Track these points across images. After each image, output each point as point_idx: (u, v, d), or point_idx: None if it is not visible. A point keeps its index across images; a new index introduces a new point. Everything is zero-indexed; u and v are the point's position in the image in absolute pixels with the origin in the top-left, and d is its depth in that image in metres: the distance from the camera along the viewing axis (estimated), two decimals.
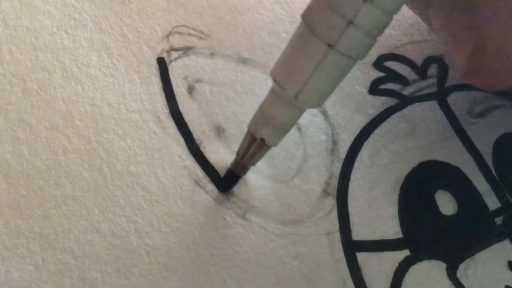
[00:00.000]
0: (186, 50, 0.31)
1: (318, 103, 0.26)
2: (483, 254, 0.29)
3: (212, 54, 0.31)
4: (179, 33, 0.31)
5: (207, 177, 0.28)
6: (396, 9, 0.24)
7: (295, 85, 0.25)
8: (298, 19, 0.32)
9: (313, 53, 0.24)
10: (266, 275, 0.27)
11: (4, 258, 0.25)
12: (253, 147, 0.27)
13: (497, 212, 0.30)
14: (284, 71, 0.25)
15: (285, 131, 0.27)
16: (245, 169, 0.28)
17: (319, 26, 0.24)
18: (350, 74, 0.31)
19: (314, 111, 0.31)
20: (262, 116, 0.27)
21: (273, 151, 0.29)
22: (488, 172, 0.31)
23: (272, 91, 0.26)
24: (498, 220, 0.30)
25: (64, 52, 0.30)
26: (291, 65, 0.25)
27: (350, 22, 0.23)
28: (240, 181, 0.28)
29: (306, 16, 0.25)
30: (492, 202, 0.30)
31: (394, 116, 0.31)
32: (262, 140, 0.27)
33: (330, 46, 0.24)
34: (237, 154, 0.28)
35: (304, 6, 0.32)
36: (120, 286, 0.26)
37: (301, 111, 0.26)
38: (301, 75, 0.24)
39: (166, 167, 0.28)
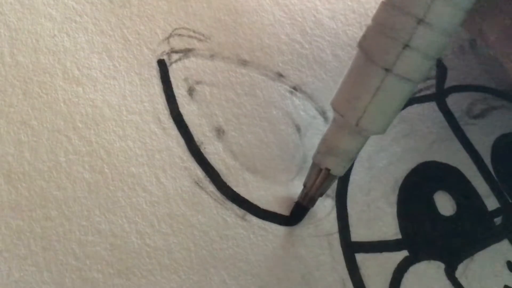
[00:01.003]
0: (186, 52, 0.31)
1: (380, 129, 0.26)
2: (482, 254, 0.29)
3: (212, 56, 0.31)
4: (179, 35, 0.31)
5: (208, 178, 0.29)
6: (453, 30, 0.24)
7: (355, 112, 0.25)
8: (298, 21, 0.33)
9: (371, 79, 0.24)
10: (266, 276, 0.27)
11: (5, 259, 0.25)
12: (320, 178, 0.27)
13: (496, 213, 0.30)
14: (344, 99, 0.25)
15: (350, 160, 0.27)
16: (313, 200, 0.28)
17: (375, 52, 0.24)
18: None
19: (313, 112, 0.31)
20: (325, 146, 0.27)
21: (273, 152, 0.29)
22: (487, 173, 0.31)
23: (334, 121, 0.26)
24: (497, 220, 0.30)
25: (65, 54, 0.30)
26: (350, 93, 0.25)
27: (406, 45, 0.23)
28: (242, 182, 0.29)
29: (362, 43, 0.25)
30: (491, 203, 0.31)
31: None
32: (328, 170, 0.27)
33: (387, 70, 0.24)
34: (304, 185, 0.28)
35: (304, 8, 0.32)
36: (121, 286, 0.26)
37: (364, 138, 0.26)
38: (360, 101, 0.25)
39: (166, 168, 0.28)
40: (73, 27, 0.30)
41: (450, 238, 0.29)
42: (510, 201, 0.31)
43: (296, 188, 0.29)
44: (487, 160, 0.31)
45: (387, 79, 0.24)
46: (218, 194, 0.28)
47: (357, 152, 0.27)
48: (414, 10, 0.23)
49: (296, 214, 0.29)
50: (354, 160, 0.27)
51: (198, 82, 0.30)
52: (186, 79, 0.30)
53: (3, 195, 0.26)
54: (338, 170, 0.27)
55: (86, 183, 0.27)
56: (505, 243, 0.30)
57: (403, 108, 0.32)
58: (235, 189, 0.29)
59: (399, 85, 0.24)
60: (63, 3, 0.31)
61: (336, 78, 0.32)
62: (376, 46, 0.24)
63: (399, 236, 0.29)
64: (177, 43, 0.31)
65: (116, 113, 0.29)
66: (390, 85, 0.24)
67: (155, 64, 0.30)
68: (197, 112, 0.30)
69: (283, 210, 0.29)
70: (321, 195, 0.28)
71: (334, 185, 0.29)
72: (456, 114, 0.32)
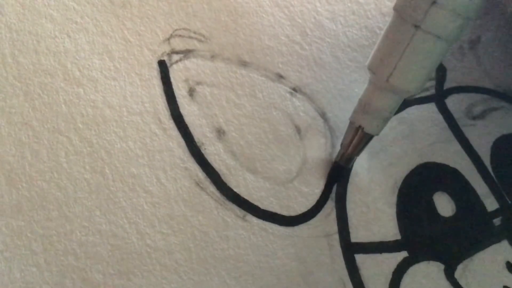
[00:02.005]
0: (187, 53, 0.31)
1: (411, 87, 0.26)
2: (481, 255, 0.29)
3: (212, 57, 0.31)
4: (180, 36, 0.31)
5: (208, 179, 0.29)
6: None
7: (385, 69, 0.26)
8: (298, 23, 0.33)
9: (401, 36, 0.25)
10: (266, 276, 0.27)
11: (6, 259, 0.26)
12: (356, 138, 0.28)
13: (495, 213, 0.31)
14: (377, 58, 0.26)
15: (383, 119, 0.27)
16: (349, 160, 0.29)
17: (405, 9, 0.25)
18: (349, 77, 0.32)
19: (313, 113, 0.31)
20: (359, 105, 0.28)
21: (273, 153, 0.30)
22: (486, 174, 0.31)
23: (369, 81, 0.27)
24: (496, 221, 0.30)
25: (66, 55, 0.30)
26: (383, 51, 0.26)
27: (433, 2, 0.24)
28: (242, 183, 0.29)
29: (396, 4, 0.26)
30: (490, 204, 0.31)
31: (392, 119, 0.31)
32: (361, 128, 0.28)
33: (416, 27, 0.24)
34: (341, 145, 0.29)
35: (304, 10, 0.32)
36: (122, 287, 0.26)
37: (396, 97, 0.27)
38: (391, 58, 0.25)
39: (167, 168, 0.28)
40: (73, 28, 0.31)
41: (449, 239, 0.29)
42: (509, 202, 0.31)
43: (295, 189, 0.29)
44: (487, 161, 0.31)
45: (416, 36, 0.25)
46: (218, 194, 0.28)
47: (390, 112, 0.27)
48: None
49: (333, 174, 0.30)
50: (388, 120, 0.28)
51: (198, 83, 0.31)
52: (186, 80, 0.30)
53: (4, 195, 0.27)
54: (371, 128, 0.28)
55: (87, 184, 0.27)
56: (504, 243, 0.30)
57: (402, 110, 0.32)
58: (235, 189, 0.29)
59: (428, 41, 0.25)
60: (64, 4, 0.31)
61: (336, 80, 0.32)
62: (406, 4, 0.25)
63: (399, 237, 0.29)
64: (177, 44, 0.31)
65: (117, 113, 0.29)
66: (420, 42, 0.25)
67: (155, 65, 0.31)
68: (198, 112, 0.30)
69: (284, 210, 0.29)
70: (357, 154, 0.29)
71: (334, 186, 0.29)
72: (456, 115, 0.32)
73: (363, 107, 0.27)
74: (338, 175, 0.30)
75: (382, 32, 0.27)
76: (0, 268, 0.25)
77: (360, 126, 0.28)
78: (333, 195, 0.29)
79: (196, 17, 0.32)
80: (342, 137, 0.29)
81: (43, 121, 0.28)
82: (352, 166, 0.30)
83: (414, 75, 0.26)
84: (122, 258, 0.26)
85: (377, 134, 0.28)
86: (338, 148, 0.30)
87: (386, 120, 0.28)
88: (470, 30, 0.35)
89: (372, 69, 0.27)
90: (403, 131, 0.31)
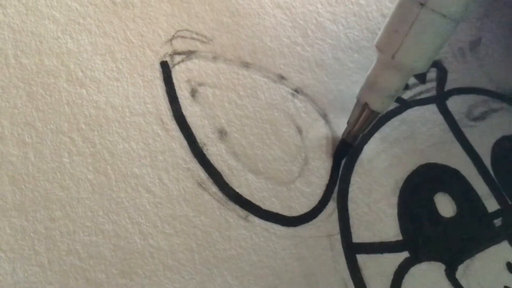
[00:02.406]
0: (189, 54, 0.31)
1: (416, 65, 0.27)
2: (482, 256, 0.30)
3: (214, 58, 0.31)
4: (182, 37, 0.32)
5: (210, 179, 0.29)
6: None
7: (391, 46, 0.26)
8: (299, 24, 0.33)
9: (407, 14, 0.26)
10: (268, 276, 0.27)
11: (10, 259, 0.26)
12: (362, 115, 0.29)
13: (496, 214, 0.31)
14: (384, 36, 0.27)
15: (388, 97, 0.28)
16: (356, 137, 0.30)
17: None
18: (350, 79, 0.32)
19: (314, 114, 0.31)
20: (366, 83, 0.28)
21: (275, 153, 0.30)
22: (487, 175, 0.31)
23: (376, 59, 0.28)
24: (497, 222, 0.31)
25: (69, 56, 0.30)
26: (390, 29, 0.27)
27: None
28: (244, 183, 0.29)
29: None
30: (491, 204, 0.31)
31: (393, 120, 0.32)
32: (367, 105, 0.28)
33: (421, 4, 0.25)
34: (348, 123, 0.29)
35: (305, 11, 0.32)
36: (125, 286, 0.26)
37: (402, 75, 0.27)
38: (397, 35, 0.26)
39: (169, 169, 0.29)
40: (76, 29, 0.31)
41: (450, 239, 0.30)
42: (510, 202, 0.31)
43: (297, 190, 0.29)
44: (487, 162, 0.32)
45: (421, 13, 0.25)
46: (220, 195, 0.29)
47: (396, 90, 0.28)
48: None
49: (340, 151, 0.30)
50: (394, 98, 0.28)
51: (200, 84, 0.31)
52: (188, 81, 0.31)
53: (8, 196, 0.27)
54: (376, 105, 0.28)
55: (90, 184, 0.28)
56: (504, 244, 0.30)
57: (403, 111, 0.32)
58: (237, 190, 0.29)
59: (433, 19, 0.25)
60: (67, 5, 0.31)
61: (337, 81, 0.32)
62: None
63: (400, 237, 0.29)
64: (179, 45, 0.31)
65: (120, 114, 0.29)
66: (425, 19, 0.25)
67: (158, 66, 0.31)
68: (200, 113, 0.30)
69: (285, 211, 0.29)
70: (363, 132, 0.29)
71: (336, 186, 0.30)
72: (457, 117, 0.32)
73: (370, 84, 0.28)
74: (344, 152, 0.30)
75: (391, 12, 0.27)
76: (3, 268, 0.25)
77: (366, 104, 0.28)
78: (335, 195, 0.29)
79: (198, 18, 0.32)
80: (341, 135, 0.30)
81: (46, 122, 0.28)
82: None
83: (420, 53, 0.26)
84: (125, 258, 0.27)
85: (383, 112, 0.29)
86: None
87: (391, 98, 0.28)
88: (470, 32, 0.35)
89: (379, 46, 0.27)
90: (404, 132, 0.32)
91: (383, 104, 0.28)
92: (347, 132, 0.30)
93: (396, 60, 0.26)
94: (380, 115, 0.29)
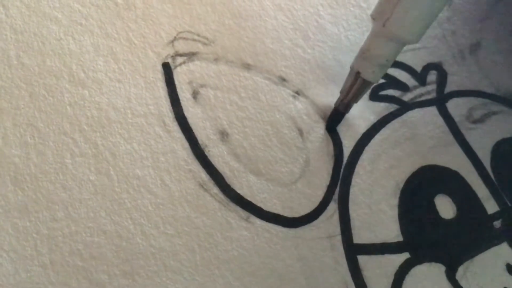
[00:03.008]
0: (190, 55, 0.31)
1: (406, 35, 0.27)
2: (482, 257, 0.30)
3: (216, 60, 0.32)
4: (184, 38, 0.32)
5: (212, 181, 0.29)
6: None
7: (383, 14, 0.26)
8: (300, 26, 0.33)
9: None
10: (270, 277, 0.27)
11: (12, 260, 0.26)
12: (355, 84, 0.29)
13: (496, 216, 0.31)
14: (378, 5, 0.27)
15: (380, 66, 0.28)
16: (348, 106, 0.30)
17: None
18: None
19: (316, 116, 0.31)
20: (360, 51, 0.28)
21: (276, 155, 0.30)
22: (487, 177, 0.32)
23: (371, 29, 0.28)
24: (497, 223, 0.31)
25: (71, 57, 0.30)
26: None
27: None
28: (245, 185, 0.29)
29: None
30: (491, 206, 0.31)
31: (394, 122, 0.32)
32: (359, 74, 0.28)
33: None
34: (341, 92, 0.30)
35: (306, 14, 0.32)
36: (127, 287, 0.26)
37: (391, 43, 0.27)
38: (389, 4, 0.26)
39: (171, 170, 0.29)
40: (78, 30, 0.31)
41: (450, 241, 0.30)
42: (510, 204, 0.31)
43: (298, 191, 0.29)
44: (487, 164, 0.32)
45: None
46: (222, 196, 0.29)
47: (387, 59, 0.28)
48: None
49: (332, 119, 0.31)
50: (386, 69, 0.29)
51: (202, 86, 0.31)
52: (190, 82, 0.31)
53: (10, 196, 0.27)
54: (368, 74, 0.28)
55: (92, 185, 0.28)
56: (504, 246, 0.30)
57: (403, 113, 0.32)
58: (239, 191, 0.29)
59: None
60: (69, 6, 0.31)
61: (338, 83, 0.32)
62: None
63: (401, 239, 0.29)
64: (181, 47, 0.31)
65: (122, 115, 0.29)
66: None
67: (159, 67, 0.31)
68: (201, 115, 0.30)
69: (287, 212, 0.29)
70: (355, 101, 0.30)
71: (337, 188, 0.30)
72: (457, 119, 0.33)
73: (362, 53, 0.28)
74: (337, 120, 0.31)
75: None
76: (6, 269, 0.25)
77: (358, 72, 0.28)
78: (336, 196, 0.30)
79: (200, 20, 0.32)
80: (342, 137, 0.30)
81: (48, 123, 0.28)
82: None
83: (410, 23, 0.26)
84: (127, 258, 0.27)
85: (375, 82, 0.29)
86: (341, 150, 0.30)
87: (383, 68, 0.28)
88: (471, 35, 0.35)
89: (373, 15, 0.27)
90: (405, 134, 0.32)
91: (374, 73, 0.28)
92: (340, 101, 0.30)
93: (387, 29, 0.26)
94: (372, 85, 0.29)
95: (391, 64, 0.28)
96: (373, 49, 0.28)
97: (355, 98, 0.29)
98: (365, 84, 0.29)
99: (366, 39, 0.28)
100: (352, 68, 0.29)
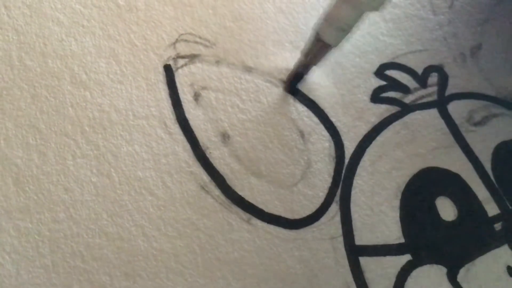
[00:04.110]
0: (192, 57, 0.31)
1: (366, 1, 0.27)
2: (482, 259, 0.30)
3: (217, 62, 0.32)
4: (185, 41, 0.32)
5: (213, 183, 0.29)
6: None
7: None
8: (301, 29, 0.33)
9: None
10: (271, 279, 0.27)
11: (14, 261, 0.26)
12: (315, 47, 0.29)
13: (496, 218, 0.31)
14: None
15: (340, 30, 0.28)
16: (307, 67, 0.31)
17: None
18: (352, 82, 0.32)
19: (317, 118, 0.31)
20: (323, 14, 0.29)
21: (278, 157, 0.30)
22: (487, 179, 0.32)
23: None
24: (497, 226, 0.31)
25: (73, 58, 0.30)
26: None
27: None
28: (247, 186, 0.29)
29: None
30: (491, 209, 0.31)
31: (395, 124, 0.32)
32: (319, 35, 0.29)
33: None
34: (301, 53, 0.30)
35: (307, 16, 0.33)
36: None
37: (352, 7, 0.27)
38: None
39: (172, 172, 0.29)
40: (80, 31, 0.31)
41: (451, 243, 0.30)
42: (510, 207, 0.31)
43: (299, 192, 0.29)
44: (488, 166, 0.32)
45: None
46: (223, 198, 0.29)
47: (347, 24, 0.28)
48: None
49: (292, 80, 0.31)
50: (346, 34, 0.29)
51: (203, 88, 0.31)
52: (192, 85, 0.31)
53: (12, 197, 0.27)
54: (327, 36, 0.29)
55: (94, 187, 0.28)
56: (505, 248, 0.30)
57: (404, 115, 0.32)
58: (240, 193, 0.29)
59: None
60: (71, 7, 0.31)
61: (339, 85, 0.32)
62: None
63: (402, 240, 0.29)
64: (183, 49, 0.31)
65: (123, 117, 0.29)
66: None
67: (161, 69, 0.31)
68: (203, 117, 0.30)
69: (288, 213, 0.29)
70: (315, 63, 0.30)
71: (338, 189, 0.30)
72: (457, 121, 0.33)
73: (324, 15, 0.28)
74: (296, 81, 0.31)
75: None
76: (8, 270, 0.25)
77: (318, 34, 0.29)
78: (337, 198, 0.30)
79: (201, 23, 0.32)
80: (344, 138, 0.30)
81: (50, 124, 0.28)
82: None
83: None
84: (128, 260, 0.27)
85: (334, 45, 0.29)
86: (342, 151, 0.30)
87: (342, 32, 0.28)
88: (471, 37, 0.35)
89: None
90: (406, 136, 0.32)
91: (332, 35, 0.28)
92: (300, 62, 0.31)
93: None
94: (331, 48, 0.29)
95: (351, 30, 0.28)
96: (334, 12, 0.28)
97: (315, 60, 0.30)
98: (325, 46, 0.29)
99: (330, 2, 0.28)
100: (314, 30, 0.29)
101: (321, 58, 0.30)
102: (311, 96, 0.32)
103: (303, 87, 0.32)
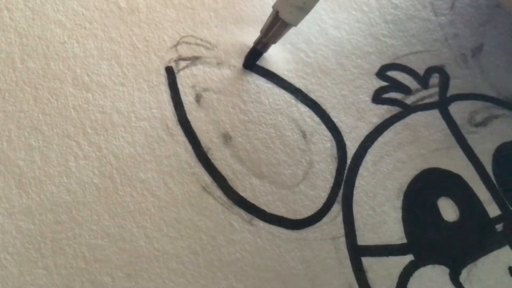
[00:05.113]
0: (193, 59, 0.31)
1: None
2: (484, 260, 0.30)
3: (219, 64, 0.32)
4: (187, 43, 0.32)
5: (215, 184, 0.29)
6: None
7: None
8: (302, 30, 0.33)
9: None
10: (273, 279, 0.27)
11: (16, 262, 0.26)
12: (274, 25, 0.29)
13: (497, 219, 0.31)
14: None
15: (296, 7, 0.28)
16: (266, 46, 0.31)
17: None
18: (354, 83, 0.32)
19: (318, 119, 0.31)
20: None
21: (279, 157, 0.30)
22: (488, 180, 0.32)
23: None
24: (499, 227, 0.31)
25: (75, 60, 0.30)
26: None
27: None
28: (249, 187, 0.29)
29: None
30: (493, 210, 0.31)
31: (397, 125, 0.32)
32: (278, 13, 0.29)
33: None
34: (260, 31, 0.30)
35: (308, 18, 0.33)
36: None
37: None
38: None
39: (174, 173, 0.29)
40: (82, 33, 0.31)
41: (453, 243, 0.30)
42: (511, 208, 0.31)
43: (301, 193, 0.29)
44: (489, 167, 0.32)
45: None
46: (225, 199, 0.29)
47: (305, 2, 0.28)
48: None
49: (250, 58, 0.32)
50: (304, 13, 0.29)
51: (205, 89, 0.31)
52: (193, 86, 0.31)
53: (14, 199, 0.27)
54: (285, 14, 0.29)
55: (96, 188, 0.28)
56: (506, 249, 0.30)
57: (406, 116, 0.32)
58: (242, 194, 0.29)
59: None
60: (73, 9, 0.31)
61: (340, 86, 0.32)
62: None
63: (404, 241, 0.29)
64: (184, 51, 0.32)
65: (125, 119, 0.29)
66: None
67: (163, 71, 0.31)
68: (205, 118, 0.30)
69: (290, 214, 0.29)
70: (274, 42, 0.31)
71: (340, 189, 0.30)
72: (459, 122, 0.33)
73: None
74: (254, 59, 0.32)
75: None
76: (10, 271, 0.25)
77: (277, 12, 0.29)
78: (339, 198, 0.30)
79: (203, 25, 0.32)
80: (345, 139, 0.30)
81: (52, 126, 0.28)
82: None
83: None
84: (130, 261, 0.27)
85: (293, 24, 0.29)
86: (344, 152, 0.30)
87: (300, 10, 0.29)
88: (473, 38, 0.35)
89: None
90: (408, 137, 0.32)
91: (291, 13, 0.29)
92: (259, 40, 0.31)
93: None
94: (290, 27, 0.30)
95: (310, 9, 0.29)
96: None
97: (274, 38, 0.30)
98: (284, 25, 0.29)
99: None
100: (273, 8, 0.29)
101: (280, 37, 0.30)
102: (269, 68, 0.32)
103: (263, 63, 0.32)
